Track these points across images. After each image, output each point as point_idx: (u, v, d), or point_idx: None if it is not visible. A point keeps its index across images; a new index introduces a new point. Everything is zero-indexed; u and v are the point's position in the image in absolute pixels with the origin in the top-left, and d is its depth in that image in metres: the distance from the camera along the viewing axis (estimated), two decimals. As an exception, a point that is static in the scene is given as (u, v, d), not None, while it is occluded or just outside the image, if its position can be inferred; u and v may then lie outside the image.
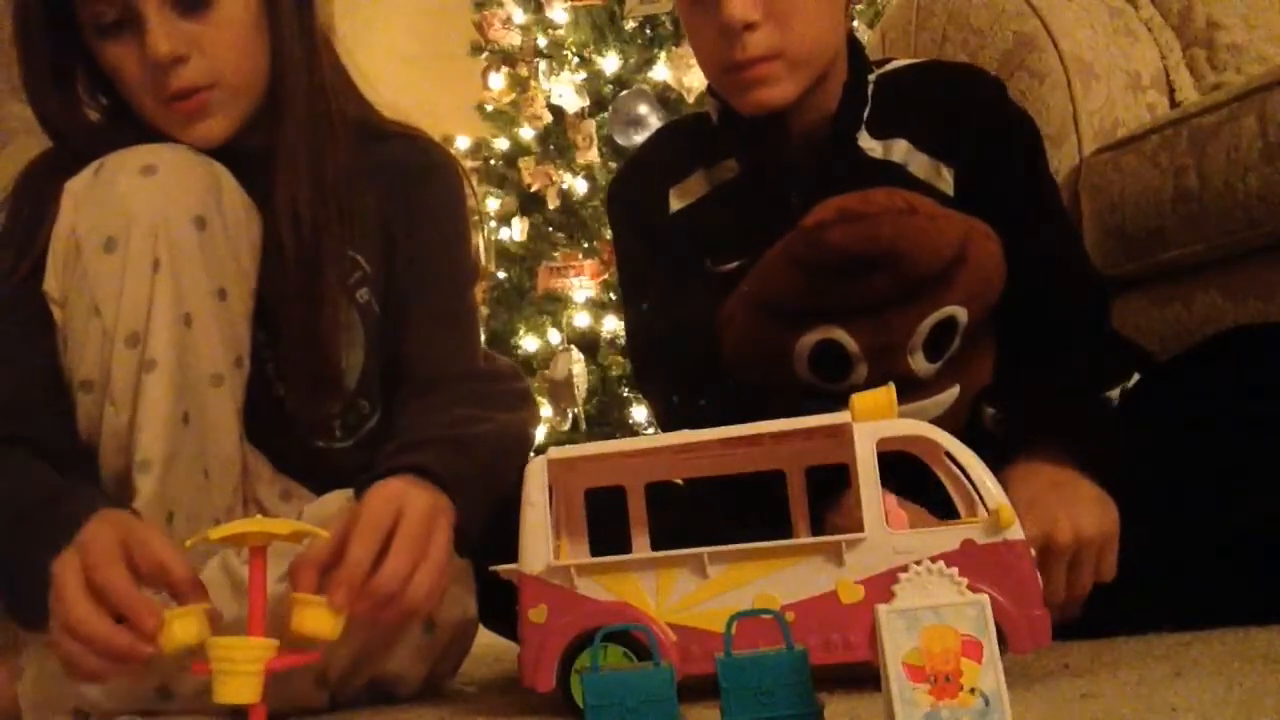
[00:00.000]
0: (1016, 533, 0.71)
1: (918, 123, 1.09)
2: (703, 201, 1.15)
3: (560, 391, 2.72)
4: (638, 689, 0.58)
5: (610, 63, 2.87)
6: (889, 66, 1.15)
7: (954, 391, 0.99)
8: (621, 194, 1.25)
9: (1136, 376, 1.05)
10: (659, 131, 1.34)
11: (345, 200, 1.02)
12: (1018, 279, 1.01)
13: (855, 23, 3.03)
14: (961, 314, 0.97)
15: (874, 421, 0.74)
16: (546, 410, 2.76)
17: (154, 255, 0.90)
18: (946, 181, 1.07)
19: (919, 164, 1.08)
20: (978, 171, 1.07)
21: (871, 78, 1.11)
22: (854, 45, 1.13)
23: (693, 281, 1.11)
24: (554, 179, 2.90)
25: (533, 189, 2.93)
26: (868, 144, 1.09)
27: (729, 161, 1.14)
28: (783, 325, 0.99)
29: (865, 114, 1.09)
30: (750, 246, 1.04)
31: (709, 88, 1.17)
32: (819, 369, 0.99)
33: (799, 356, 0.99)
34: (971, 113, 1.10)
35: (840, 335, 0.97)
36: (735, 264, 1.08)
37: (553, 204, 2.92)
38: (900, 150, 1.09)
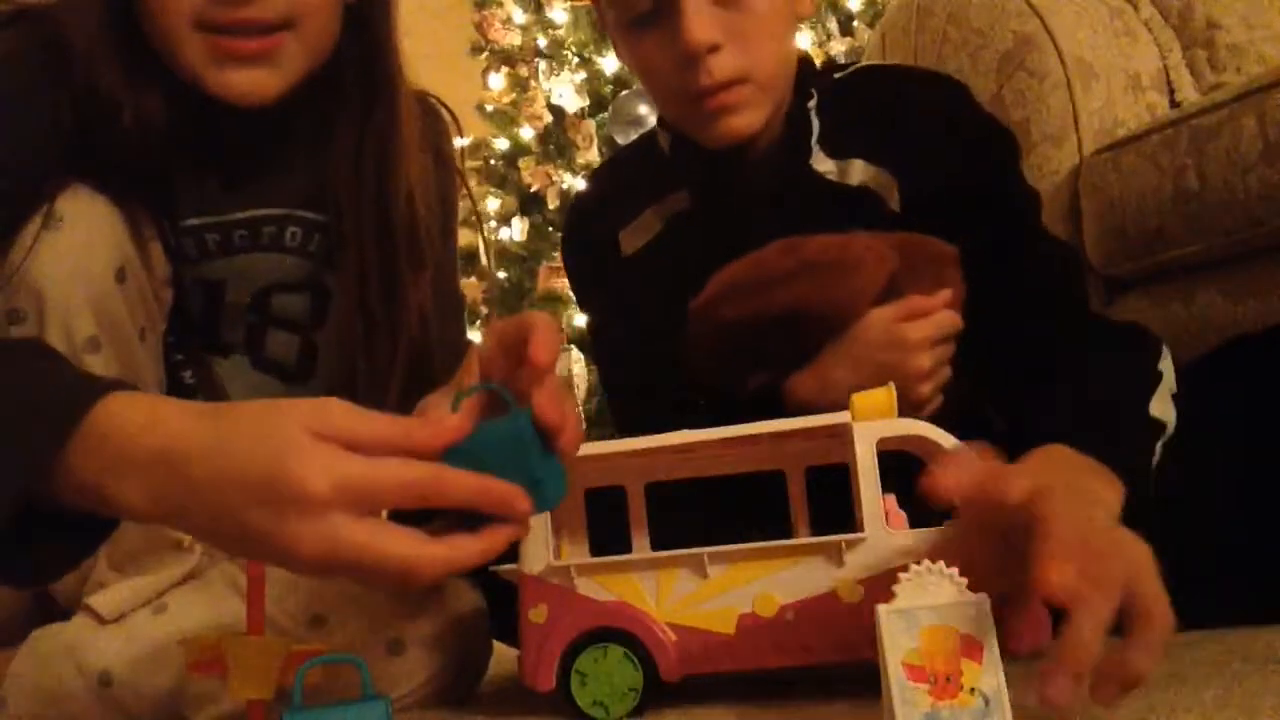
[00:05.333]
0: (1016, 533, 0.71)
1: (867, 136, 1.03)
2: (657, 240, 1.10)
3: (560, 391, 2.72)
4: None
5: (610, 63, 2.87)
6: (839, 75, 1.09)
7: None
8: (572, 242, 1.20)
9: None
10: (601, 170, 1.28)
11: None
12: (995, 294, 0.96)
13: (855, 23, 3.03)
14: None
15: (874, 421, 0.74)
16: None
17: (92, 332, 0.81)
18: (894, 197, 1.02)
19: (872, 178, 1.03)
20: (925, 182, 1.01)
21: (811, 105, 1.05)
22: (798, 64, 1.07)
23: (653, 325, 1.06)
24: (554, 179, 2.91)
25: (533, 189, 2.93)
26: (824, 165, 1.04)
27: (680, 193, 1.09)
28: (729, 373, 0.98)
29: (814, 137, 1.04)
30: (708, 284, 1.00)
31: (659, 119, 1.11)
32: (772, 409, 0.97)
33: (754, 400, 0.97)
34: (914, 122, 1.03)
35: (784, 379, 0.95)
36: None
37: (553, 204, 2.92)
38: (857, 169, 1.03)
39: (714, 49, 0.94)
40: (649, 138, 1.17)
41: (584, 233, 1.18)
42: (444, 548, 0.55)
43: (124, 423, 0.57)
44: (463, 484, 0.55)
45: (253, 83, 0.83)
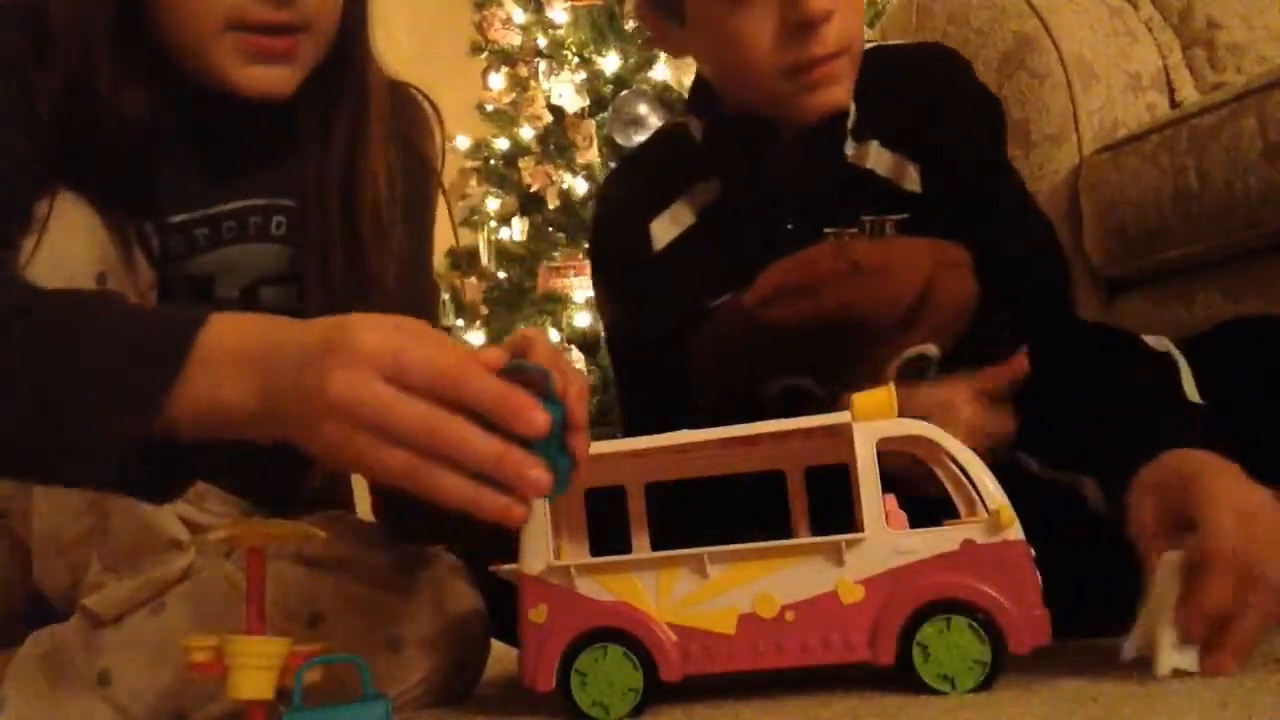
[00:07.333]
0: (1016, 533, 0.71)
1: (883, 119, 1.03)
2: (690, 233, 1.07)
3: (560, 391, 2.72)
4: None
5: (610, 63, 2.87)
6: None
7: None
8: (601, 241, 1.17)
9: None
10: (624, 166, 1.26)
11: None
12: (992, 277, 0.97)
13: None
14: (932, 349, 0.95)
15: (874, 421, 0.74)
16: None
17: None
18: (913, 179, 1.02)
19: (887, 165, 1.02)
20: (942, 162, 1.01)
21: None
22: None
23: (685, 323, 1.05)
24: (554, 179, 2.91)
25: (533, 189, 2.93)
26: (851, 150, 1.03)
27: (710, 182, 1.07)
28: (748, 377, 0.98)
29: (850, 122, 1.02)
30: (743, 277, 0.99)
31: (691, 103, 1.09)
32: (790, 412, 0.97)
33: (769, 403, 0.97)
34: (930, 100, 1.03)
35: (807, 384, 0.96)
36: (728, 296, 1.02)
37: (553, 204, 2.92)
38: (873, 153, 1.03)
39: (829, 17, 0.94)
40: (670, 133, 1.15)
41: (613, 231, 1.15)
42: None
43: (235, 327, 0.64)
44: (487, 384, 0.60)
45: (275, 79, 0.85)
